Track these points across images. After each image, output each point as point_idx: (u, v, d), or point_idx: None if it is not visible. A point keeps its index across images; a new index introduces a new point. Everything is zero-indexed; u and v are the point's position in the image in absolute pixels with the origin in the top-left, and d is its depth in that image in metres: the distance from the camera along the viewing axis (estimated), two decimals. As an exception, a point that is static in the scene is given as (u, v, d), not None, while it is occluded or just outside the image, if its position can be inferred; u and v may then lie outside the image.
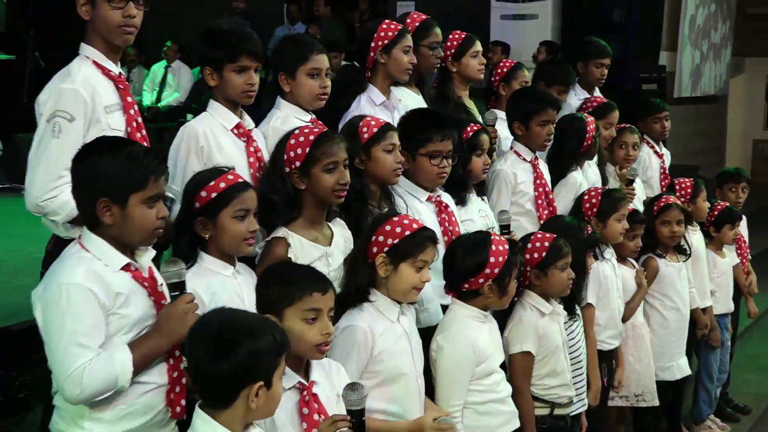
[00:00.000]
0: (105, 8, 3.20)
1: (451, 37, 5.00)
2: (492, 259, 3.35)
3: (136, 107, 3.33)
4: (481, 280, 3.37)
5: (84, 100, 3.12)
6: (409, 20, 4.68)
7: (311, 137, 3.31)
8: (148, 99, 11.38)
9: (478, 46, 5.13)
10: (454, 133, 3.85)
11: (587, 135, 4.84)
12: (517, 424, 3.51)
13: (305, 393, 2.75)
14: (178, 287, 2.74)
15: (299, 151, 3.30)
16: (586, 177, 5.04)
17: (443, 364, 3.32)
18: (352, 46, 8.40)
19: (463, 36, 5.05)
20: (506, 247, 3.41)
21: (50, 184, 3.09)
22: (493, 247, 3.37)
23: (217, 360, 2.33)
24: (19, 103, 8.95)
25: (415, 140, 3.79)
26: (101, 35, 3.25)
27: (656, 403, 4.82)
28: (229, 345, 2.33)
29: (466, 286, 3.40)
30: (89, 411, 2.65)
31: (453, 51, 5.00)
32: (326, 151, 3.28)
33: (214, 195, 2.95)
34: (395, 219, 3.19)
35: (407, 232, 3.12)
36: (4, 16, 10.97)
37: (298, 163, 3.29)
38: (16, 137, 8.54)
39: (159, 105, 11.30)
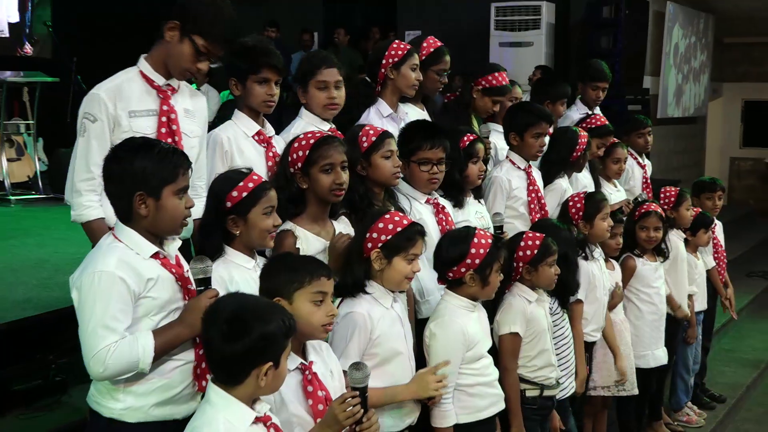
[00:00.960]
0: (188, 51, 3.24)
1: (497, 74, 4.94)
2: (473, 251, 3.35)
3: (173, 115, 3.33)
4: (462, 269, 3.36)
5: (105, 103, 3.18)
6: (425, 44, 4.66)
7: (311, 141, 3.35)
8: (179, 118, 11.34)
9: (504, 94, 5.04)
10: (445, 143, 3.85)
11: (577, 147, 4.86)
12: (502, 406, 3.50)
13: (307, 372, 2.78)
14: (204, 283, 2.76)
15: (300, 153, 3.34)
16: (579, 183, 5.07)
17: (436, 349, 3.32)
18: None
19: (504, 81, 4.95)
20: (489, 241, 3.40)
21: (81, 175, 3.20)
22: (475, 240, 3.38)
23: (230, 342, 2.36)
24: (63, 122, 9.01)
25: (407, 149, 3.82)
26: (167, 57, 3.30)
27: (635, 392, 4.81)
28: (243, 328, 2.36)
29: (450, 274, 3.41)
30: (123, 385, 2.67)
31: (488, 87, 4.92)
32: (323, 154, 3.31)
33: (244, 194, 2.97)
34: (387, 216, 3.20)
35: (398, 228, 3.14)
36: (51, 43, 11.09)
37: (300, 165, 3.33)
38: (58, 151, 8.61)
39: (189, 123, 11.24)
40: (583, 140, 4.91)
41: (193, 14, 3.22)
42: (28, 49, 10.58)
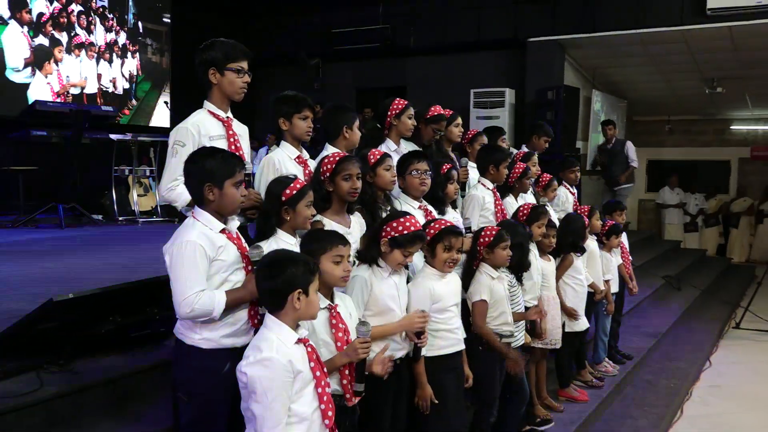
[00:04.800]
0: (233, 77, 3.27)
1: (432, 108, 4.94)
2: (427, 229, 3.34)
3: (235, 137, 3.35)
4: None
5: (191, 133, 3.19)
6: (432, 109, 4.76)
7: (336, 158, 3.34)
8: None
9: (459, 120, 5.16)
10: (429, 162, 3.86)
11: (512, 173, 4.91)
12: (460, 347, 3.42)
13: (332, 311, 2.76)
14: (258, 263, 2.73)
15: (329, 166, 3.32)
16: (526, 200, 5.02)
17: (411, 301, 3.26)
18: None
19: (438, 112, 4.95)
20: (439, 226, 3.37)
21: (169, 184, 3.18)
22: (432, 223, 3.39)
23: (270, 278, 2.38)
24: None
25: (404, 166, 3.81)
26: (222, 93, 3.30)
27: (558, 346, 4.70)
28: (277, 268, 2.38)
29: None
30: (201, 321, 2.64)
31: (428, 117, 4.88)
32: (344, 167, 3.30)
33: (295, 192, 2.96)
34: (401, 219, 3.14)
35: (405, 232, 3.09)
36: (169, 114, 11.31)
37: (328, 174, 3.31)
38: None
39: (263, 173, 11.31)
40: (517, 170, 4.89)
41: (216, 55, 3.23)
42: (133, 101, 11.27)
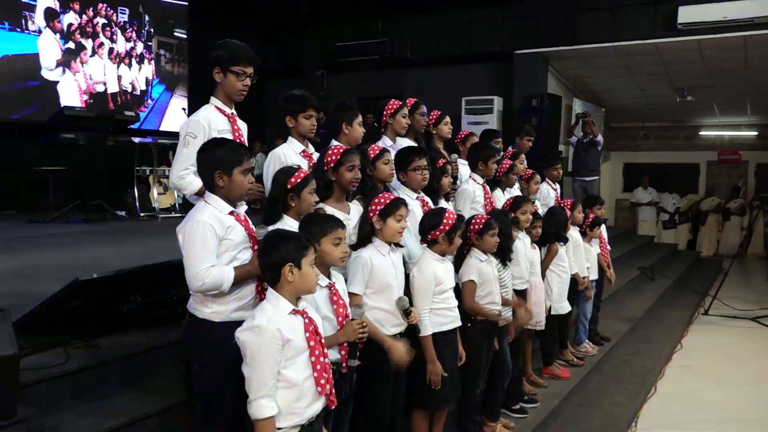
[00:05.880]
0: (234, 79, 3.19)
1: (432, 114, 5.01)
2: (445, 221, 3.31)
3: (239, 132, 3.29)
4: (437, 233, 3.31)
5: (203, 126, 3.12)
6: (407, 102, 4.69)
7: (341, 150, 3.31)
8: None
9: (448, 119, 5.14)
10: (427, 157, 3.84)
11: (499, 168, 4.88)
12: (457, 324, 3.41)
13: (332, 289, 2.74)
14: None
15: (333, 157, 3.28)
16: (513, 195, 4.99)
17: (416, 285, 3.25)
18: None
19: (439, 113, 5.04)
20: (454, 216, 3.36)
21: (180, 172, 3.11)
22: (447, 214, 3.35)
23: (266, 255, 2.36)
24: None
25: (405, 162, 3.77)
26: (224, 92, 3.24)
27: (543, 327, 4.69)
28: (273, 245, 2.36)
29: (430, 236, 3.34)
30: (212, 296, 2.61)
31: (433, 121, 4.99)
32: (348, 158, 3.27)
33: (299, 180, 2.93)
34: (380, 195, 3.17)
35: (387, 201, 3.10)
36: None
37: (332, 164, 3.28)
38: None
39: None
40: (504, 166, 4.86)
41: (223, 55, 3.16)
42: (149, 101, 11.38)
